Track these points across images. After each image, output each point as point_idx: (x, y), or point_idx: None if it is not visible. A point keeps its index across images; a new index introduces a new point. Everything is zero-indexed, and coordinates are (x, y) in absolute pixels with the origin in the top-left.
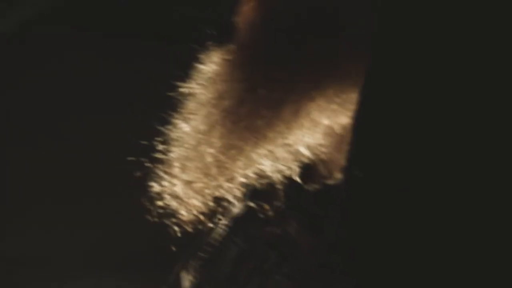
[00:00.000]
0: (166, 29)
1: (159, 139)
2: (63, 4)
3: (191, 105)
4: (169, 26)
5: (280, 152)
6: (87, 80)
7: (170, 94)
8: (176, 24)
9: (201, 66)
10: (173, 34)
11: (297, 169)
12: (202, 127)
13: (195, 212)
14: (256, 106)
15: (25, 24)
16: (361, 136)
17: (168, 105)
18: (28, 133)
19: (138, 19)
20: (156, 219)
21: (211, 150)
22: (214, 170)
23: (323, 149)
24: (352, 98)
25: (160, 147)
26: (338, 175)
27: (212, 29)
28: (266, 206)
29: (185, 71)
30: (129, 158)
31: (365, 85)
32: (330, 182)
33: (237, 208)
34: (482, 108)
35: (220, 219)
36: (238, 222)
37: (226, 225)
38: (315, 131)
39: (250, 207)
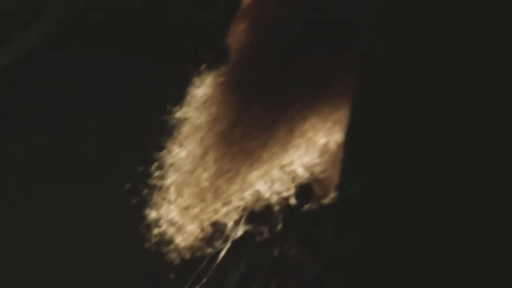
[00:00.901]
0: (164, 43)
1: (155, 164)
2: (64, 30)
3: (185, 129)
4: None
5: (276, 173)
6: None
7: (165, 118)
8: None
9: (195, 89)
10: (169, 52)
11: (294, 190)
12: (197, 151)
13: (192, 238)
14: (250, 127)
15: (27, 52)
16: (352, 153)
17: (163, 130)
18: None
19: (134, 33)
20: (154, 247)
21: (207, 174)
22: (210, 194)
23: (319, 168)
24: (345, 115)
25: (156, 173)
26: (333, 194)
27: (206, 51)
28: (265, 229)
29: (179, 94)
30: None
31: (355, 102)
32: (326, 201)
33: (236, 232)
34: (471, 131)
35: (219, 244)
36: (237, 246)
37: (226, 249)
38: (311, 150)
39: (249, 230)
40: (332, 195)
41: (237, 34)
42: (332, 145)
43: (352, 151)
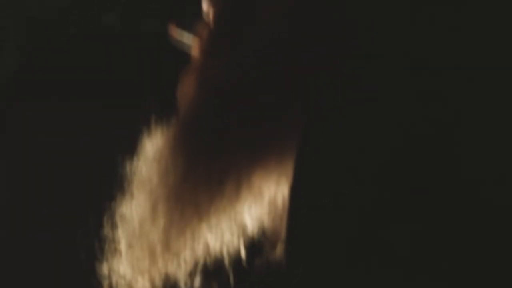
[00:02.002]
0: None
1: (105, 216)
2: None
3: (136, 182)
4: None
5: (225, 225)
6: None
7: (116, 169)
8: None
9: (144, 140)
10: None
11: (243, 241)
12: (147, 203)
13: None
14: (198, 181)
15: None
16: (296, 207)
17: (115, 181)
18: None
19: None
20: None
21: (157, 227)
22: (160, 247)
23: (267, 220)
24: (291, 168)
25: (106, 224)
26: (281, 244)
27: (156, 103)
28: (215, 283)
29: (129, 145)
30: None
31: (299, 155)
32: (274, 251)
33: (186, 286)
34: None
35: None
36: None
37: None
38: (259, 202)
39: (199, 284)
40: (280, 245)
41: (184, 90)
42: (279, 198)
43: (296, 203)
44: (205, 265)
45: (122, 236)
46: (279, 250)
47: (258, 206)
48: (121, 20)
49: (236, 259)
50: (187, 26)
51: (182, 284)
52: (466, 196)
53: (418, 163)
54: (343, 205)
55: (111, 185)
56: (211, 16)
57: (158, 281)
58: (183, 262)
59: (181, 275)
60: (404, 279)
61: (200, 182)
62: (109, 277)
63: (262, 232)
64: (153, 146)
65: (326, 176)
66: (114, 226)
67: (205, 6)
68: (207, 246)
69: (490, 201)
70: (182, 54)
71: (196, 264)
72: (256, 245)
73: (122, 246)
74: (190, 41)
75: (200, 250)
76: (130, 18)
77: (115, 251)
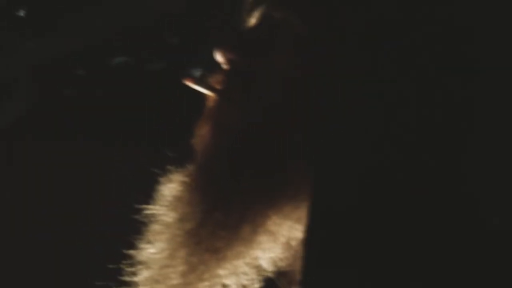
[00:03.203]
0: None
1: (126, 262)
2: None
3: (155, 227)
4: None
5: (243, 268)
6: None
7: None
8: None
9: (162, 187)
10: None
11: (260, 283)
12: (166, 249)
13: None
14: (215, 228)
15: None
16: (310, 250)
17: (133, 228)
18: None
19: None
20: None
21: (177, 272)
22: None
23: (283, 263)
24: (305, 213)
25: (127, 270)
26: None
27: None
28: None
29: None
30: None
31: (313, 201)
32: None
33: None
34: None
35: None
36: None
37: None
38: (274, 246)
39: None
40: (295, 286)
41: (200, 136)
42: (294, 242)
43: (311, 248)
44: None
45: (142, 282)
46: None
47: (274, 248)
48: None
49: None
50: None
51: None
52: (464, 209)
53: (418, 174)
54: (356, 248)
55: (129, 231)
56: (225, 63)
57: None
58: None
59: None
60: None
61: (218, 227)
62: None
63: (278, 274)
64: (170, 191)
65: (339, 220)
66: (133, 272)
67: (219, 56)
68: None
69: (486, 219)
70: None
71: None
72: (273, 286)
73: None
74: (203, 87)
75: None
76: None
77: None
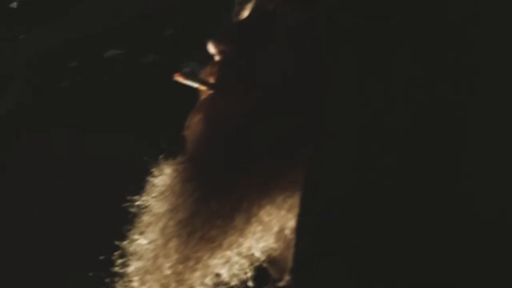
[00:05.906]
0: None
1: (117, 253)
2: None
3: (146, 218)
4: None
5: (235, 258)
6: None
7: (125, 206)
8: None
9: (154, 178)
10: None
11: (252, 273)
12: (158, 240)
13: None
14: (209, 217)
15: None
16: (302, 240)
17: (124, 218)
18: None
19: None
20: None
21: (169, 262)
22: (173, 282)
23: (275, 252)
24: (297, 203)
25: (119, 261)
26: (288, 276)
27: (164, 141)
28: None
29: (139, 183)
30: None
31: (305, 190)
32: (282, 283)
33: None
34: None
35: None
36: None
37: None
38: (267, 236)
39: None
40: (287, 277)
41: (192, 126)
42: (287, 231)
43: (302, 236)
44: None
45: (135, 273)
46: (286, 280)
47: (267, 238)
48: (125, 55)
49: None
50: (192, 72)
51: None
52: (460, 206)
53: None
54: (349, 235)
55: (122, 223)
56: (218, 55)
57: None
58: None
59: None
60: None
61: (212, 217)
62: None
63: (270, 263)
64: (162, 183)
65: (332, 208)
66: (126, 263)
67: (212, 48)
68: (218, 279)
69: (482, 214)
70: (187, 88)
71: None
72: (265, 275)
73: (135, 283)
74: (195, 82)
75: (211, 283)
76: (134, 53)
77: (127, 287)
